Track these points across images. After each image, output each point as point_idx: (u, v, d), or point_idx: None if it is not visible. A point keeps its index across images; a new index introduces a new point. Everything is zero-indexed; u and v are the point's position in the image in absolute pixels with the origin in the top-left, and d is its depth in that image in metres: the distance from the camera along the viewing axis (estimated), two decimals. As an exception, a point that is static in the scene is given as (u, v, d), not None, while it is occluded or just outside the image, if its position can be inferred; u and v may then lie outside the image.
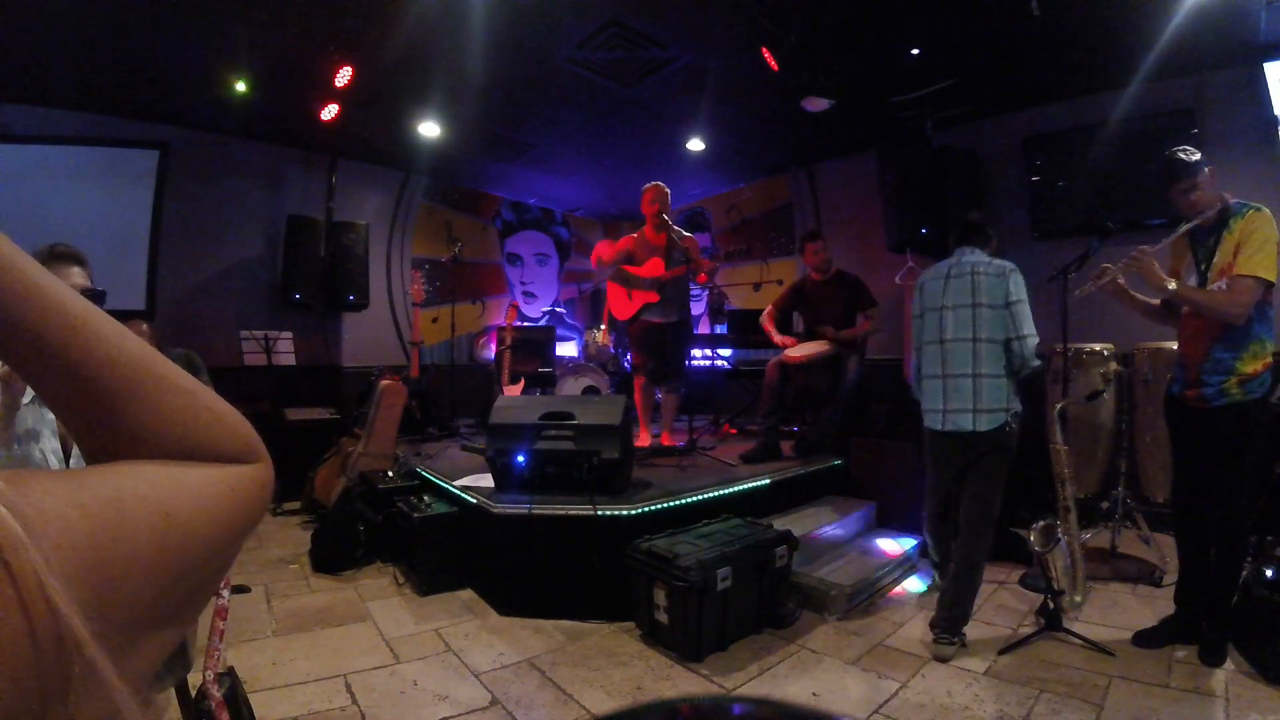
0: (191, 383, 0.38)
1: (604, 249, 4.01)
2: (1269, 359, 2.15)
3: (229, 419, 0.39)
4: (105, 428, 0.35)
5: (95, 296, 1.54)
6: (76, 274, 1.51)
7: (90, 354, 0.34)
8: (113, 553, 0.28)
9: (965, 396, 2.45)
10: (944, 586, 2.55)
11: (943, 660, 2.34)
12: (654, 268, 3.86)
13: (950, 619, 2.41)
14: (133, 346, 0.36)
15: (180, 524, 0.32)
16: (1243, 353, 2.14)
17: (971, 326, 2.47)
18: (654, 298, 3.86)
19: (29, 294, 0.32)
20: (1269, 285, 2.09)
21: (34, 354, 0.33)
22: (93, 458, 0.36)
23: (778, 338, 4.08)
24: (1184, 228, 2.26)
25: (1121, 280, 2.35)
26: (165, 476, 0.34)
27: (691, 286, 4.20)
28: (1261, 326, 2.15)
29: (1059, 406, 2.71)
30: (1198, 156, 2.25)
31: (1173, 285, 2.22)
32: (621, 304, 3.96)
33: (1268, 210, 2.15)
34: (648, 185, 3.91)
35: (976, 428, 2.42)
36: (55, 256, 1.50)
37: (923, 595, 3.01)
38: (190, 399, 0.37)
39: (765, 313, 4.26)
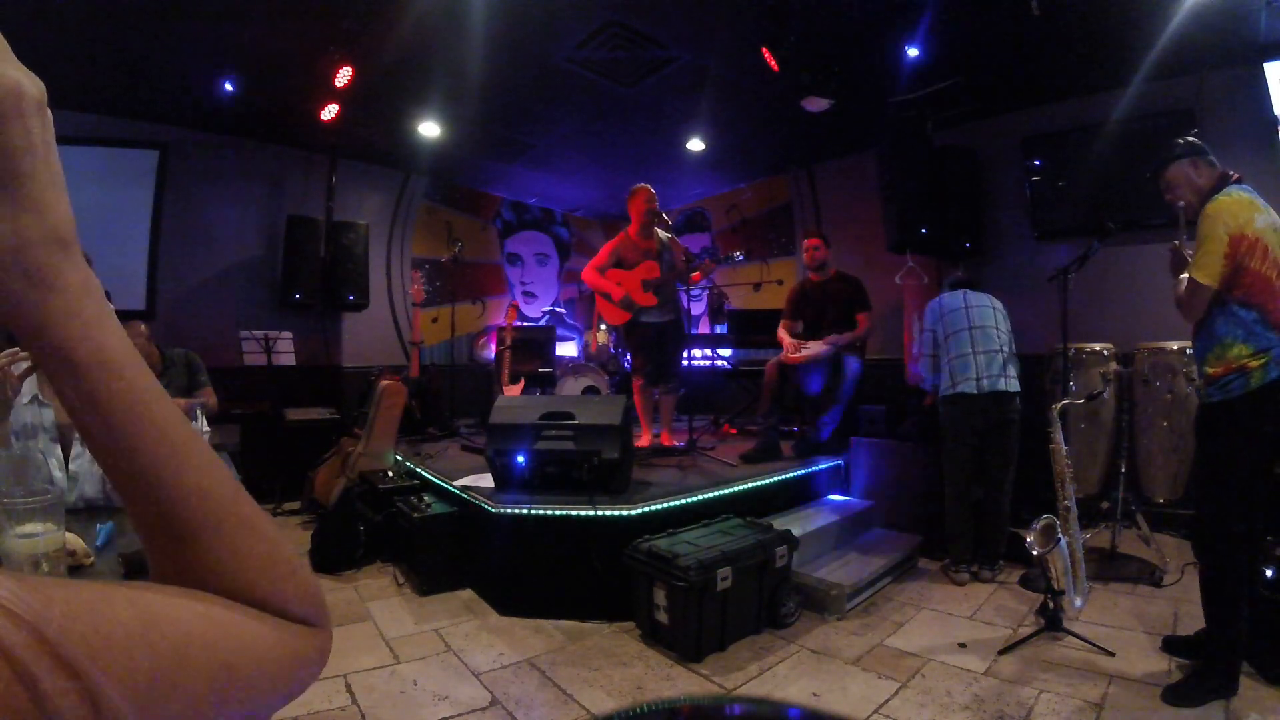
0: (275, 530, 0.38)
1: (591, 275, 3.91)
2: (1233, 363, 1.99)
3: (303, 574, 0.39)
4: (181, 556, 0.35)
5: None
6: None
7: (181, 481, 0.34)
8: (170, 697, 0.28)
9: (997, 365, 3.14)
10: (984, 527, 3.19)
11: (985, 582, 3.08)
12: (648, 270, 3.86)
13: (991, 553, 3.16)
14: (224, 481, 0.36)
15: (240, 680, 0.32)
16: (1208, 354, 2.08)
17: (993, 318, 3.26)
18: (651, 301, 3.86)
19: (133, 407, 0.33)
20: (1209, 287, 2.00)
21: (125, 473, 0.33)
22: (159, 575, 0.36)
23: (789, 341, 4.03)
24: (1182, 232, 2.19)
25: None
26: (235, 626, 0.34)
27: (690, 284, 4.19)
28: (1226, 327, 2.01)
29: (1059, 406, 2.71)
30: (1176, 150, 2.17)
31: (1179, 281, 2.17)
32: (615, 310, 3.93)
33: (1228, 197, 2.02)
34: (638, 187, 3.88)
35: (1008, 388, 3.14)
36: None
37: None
38: (272, 548, 0.37)
39: (781, 325, 4.23)
